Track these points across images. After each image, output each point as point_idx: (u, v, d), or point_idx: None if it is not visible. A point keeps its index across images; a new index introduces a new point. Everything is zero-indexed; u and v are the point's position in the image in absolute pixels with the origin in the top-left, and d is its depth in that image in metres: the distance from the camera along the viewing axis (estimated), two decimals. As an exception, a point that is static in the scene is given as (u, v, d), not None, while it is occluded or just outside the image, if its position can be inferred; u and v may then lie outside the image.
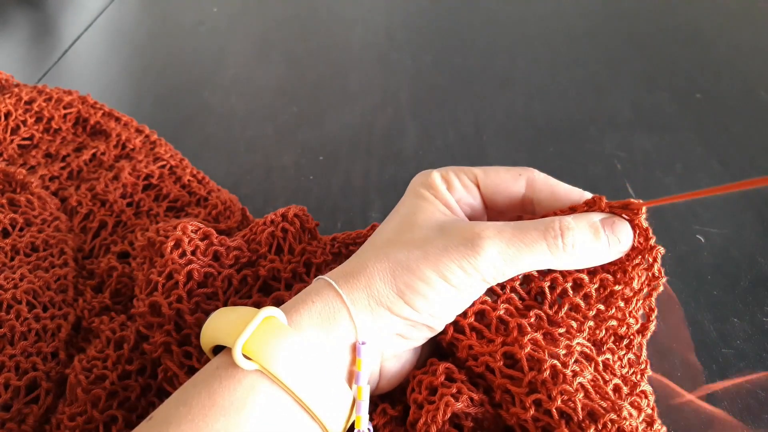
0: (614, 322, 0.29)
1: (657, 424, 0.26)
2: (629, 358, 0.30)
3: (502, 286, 0.29)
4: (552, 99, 0.61)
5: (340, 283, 0.27)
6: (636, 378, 0.30)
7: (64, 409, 0.32)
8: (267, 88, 0.65)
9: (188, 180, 0.48)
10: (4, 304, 0.36)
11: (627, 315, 0.29)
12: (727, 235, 0.45)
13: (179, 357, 0.31)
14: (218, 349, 0.27)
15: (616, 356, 0.29)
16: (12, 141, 0.51)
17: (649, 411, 0.27)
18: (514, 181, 0.30)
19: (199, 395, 0.24)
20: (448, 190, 0.30)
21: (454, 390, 0.26)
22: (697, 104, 0.59)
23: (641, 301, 0.29)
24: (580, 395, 0.25)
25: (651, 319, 0.30)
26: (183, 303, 0.31)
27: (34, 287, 0.37)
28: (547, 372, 0.25)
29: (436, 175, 0.30)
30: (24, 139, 0.52)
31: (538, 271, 0.29)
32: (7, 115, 0.52)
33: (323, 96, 0.63)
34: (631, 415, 0.25)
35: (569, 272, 0.29)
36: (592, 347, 0.28)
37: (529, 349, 0.26)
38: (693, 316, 0.39)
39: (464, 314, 0.28)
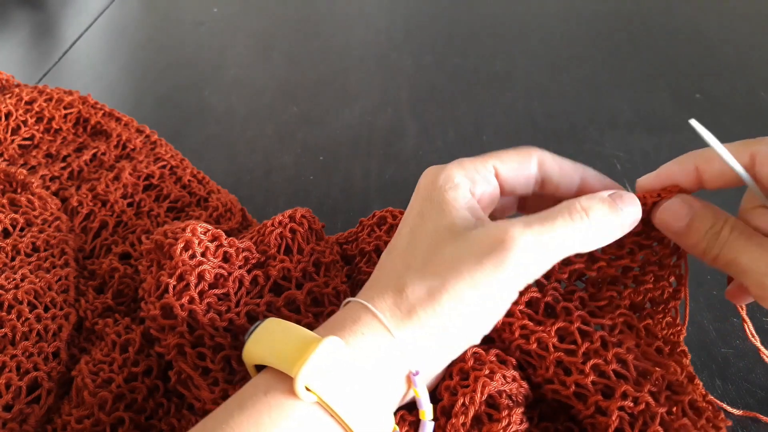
0: (650, 286, 0.32)
1: (696, 379, 0.28)
2: (666, 321, 0.32)
3: (547, 276, 0.31)
4: (552, 99, 0.61)
5: (386, 314, 0.26)
6: (674, 338, 0.32)
7: (71, 411, 0.32)
8: (267, 88, 0.65)
9: (189, 180, 0.48)
10: (5, 305, 0.36)
11: (659, 279, 0.31)
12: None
13: (193, 359, 0.30)
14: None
15: (656, 319, 0.32)
16: (13, 141, 0.51)
17: (690, 367, 0.30)
18: (528, 165, 0.30)
19: (246, 424, 0.23)
20: (472, 189, 0.29)
21: (487, 371, 0.28)
22: (697, 104, 0.59)
23: (673, 268, 0.32)
24: (631, 356, 0.28)
25: (683, 282, 0.32)
26: (195, 304, 0.31)
27: (35, 287, 0.37)
28: (598, 342, 0.28)
29: (457, 174, 0.29)
30: (25, 139, 0.52)
31: (576, 256, 0.31)
32: (8, 115, 0.52)
33: (323, 96, 0.63)
34: (676, 370, 0.28)
35: (605, 252, 0.31)
36: (633, 314, 0.31)
37: (579, 323, 0.29)
38: (693, 316, 0.39)
39: (516, 301, 0.29)
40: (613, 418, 0.26)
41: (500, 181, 0.30)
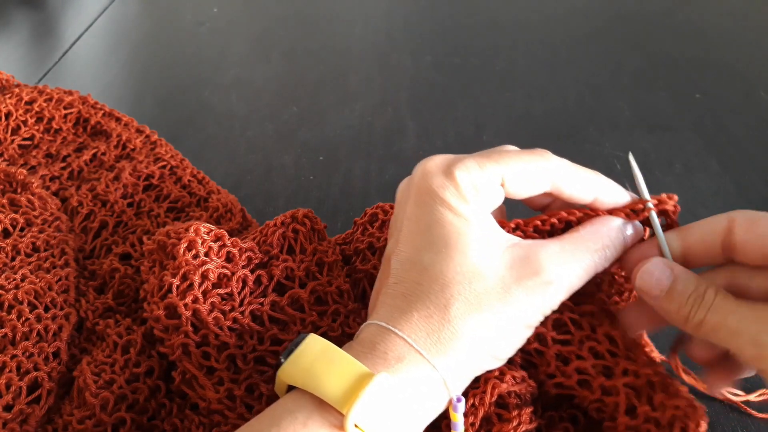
0: (621, 280, 0.33)
1: (654, 354, 0.30)
2: None
3: None
4: (552, 99, 0.61)
5: (431, 350, 0.26)
6: None
7: (72, 411, 0.32)
8: (267, 88, 0.65)
9: (188, 180, 0.48)
10: (5, 305, 0.36)
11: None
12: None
13: (198, 358, 0.30)
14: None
15: (621, 306, 0.33)
16: (13, 141, 0.51)
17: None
18: (541, 183, 0.28)
19: None
20: (476, 197, 0.27)
21: (497, 373, 0.28)
22: (697, 104, 0.59)
23: None
24: (617, 332, 0.29)
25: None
26: (199, 303, 0.31)
27: (35, 288, 0.37)
28: (588, 329, 0.29)
29: (465, 184, 0.27)
30: (25, 139, 0.52)
31: None
32: (8, 115, 0.52)
33: (323, 96, 0.63)
34: (651, 348, 0.30)
35: None
36: (607, 300, 0.32)
37: (568, 312, 0.30)
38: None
39: None
40: (622, 396, 0.27)
41: (505, 190, 0.28)
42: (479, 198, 0.27)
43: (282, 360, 0.26)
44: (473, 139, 0.56)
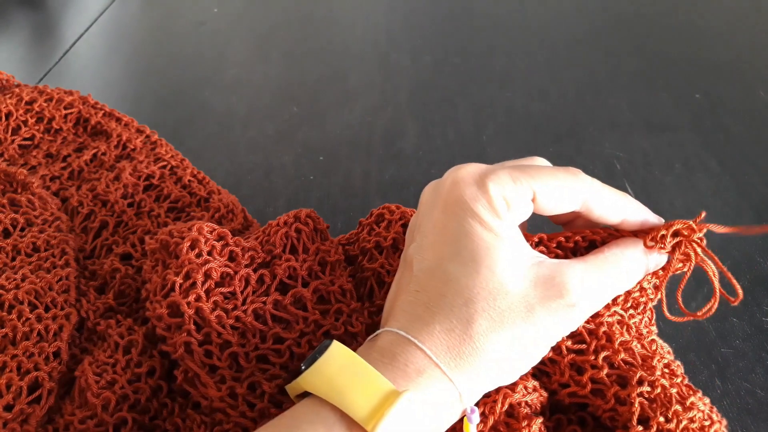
0: (636, 294, 0.32)
1: (674, 365, 0.31)
2: (645, 321, 0.33)
3: None
4: (552, 99, 0.61)
5: (450, 365, 0.26)
6: (651, 336, 0.33)
7: (73, 411, 0.32)
8: (267, 88, 0.65)
9: (189, 180, 0.48)
10: (5, 305, 0.36)
11: (646, 285, 0.33)
12: (726, 235, 0.45)
13: (200, 356, 0.30)
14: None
15: (637, 319, 0.33)
16: (13, 141, 0.51)
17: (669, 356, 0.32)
18: (571, 201, 0.28)
19: None
20: (507, 211, 0.27)
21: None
22: (697, 104, 0.59)
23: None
24: (636, 343, 0.30)
25: (661, 288, 0.33)
26: (202, 302, 0.31)
27: (36, 288, 0.37)
28: (604, 338, 0.30)
29: (497, 197, 0.27)
30: (25, 139, 0.52)
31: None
32: (8, 115, 0.52)
33: (323, 96, 0.63)
34: (663, 357, 0.30)
35: None
36: (624, 313, 0.32)
37: (583, 323, 0.30)
38: (692, 316, 0.39)
39: None
40: (636, 406, 0.27)
41: (535, 206, 0.28)
42: (510, 212, 0.27)
43: (303, 367, 0.26)
44: (473, 139, 0.56)
